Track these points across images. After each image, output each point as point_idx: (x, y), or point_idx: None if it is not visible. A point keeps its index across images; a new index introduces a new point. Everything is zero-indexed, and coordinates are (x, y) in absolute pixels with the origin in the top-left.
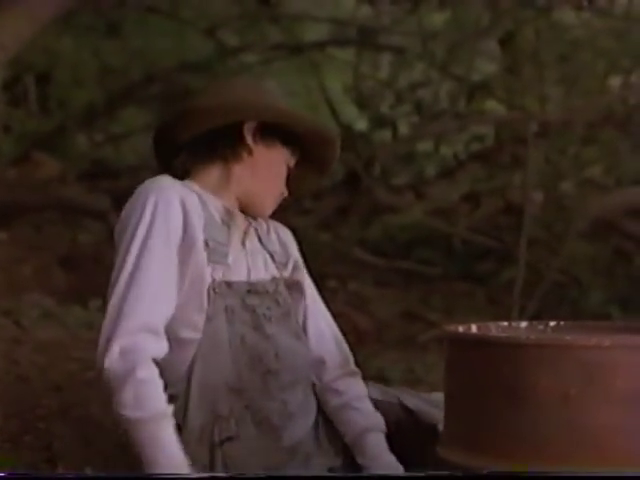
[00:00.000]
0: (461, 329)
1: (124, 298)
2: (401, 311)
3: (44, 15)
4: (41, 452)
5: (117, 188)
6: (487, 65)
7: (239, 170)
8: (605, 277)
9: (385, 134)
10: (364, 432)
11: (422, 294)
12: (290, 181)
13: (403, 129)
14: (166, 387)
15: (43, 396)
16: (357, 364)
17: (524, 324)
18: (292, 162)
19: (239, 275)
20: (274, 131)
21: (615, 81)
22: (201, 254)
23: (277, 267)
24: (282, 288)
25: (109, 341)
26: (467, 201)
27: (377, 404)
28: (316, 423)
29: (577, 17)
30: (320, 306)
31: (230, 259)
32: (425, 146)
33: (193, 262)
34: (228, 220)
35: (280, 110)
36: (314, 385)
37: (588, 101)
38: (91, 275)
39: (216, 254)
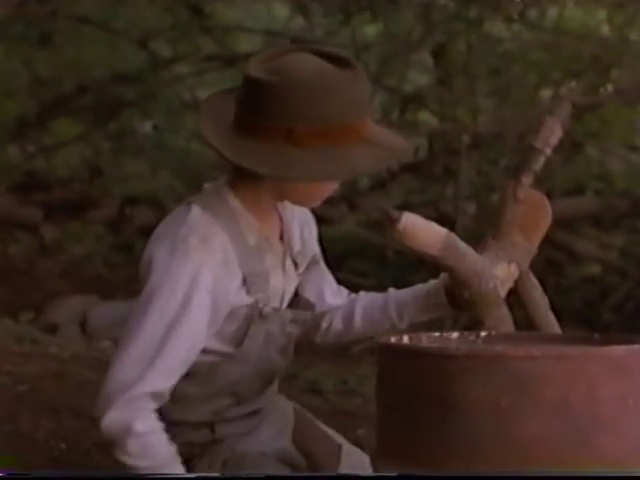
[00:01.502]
0: (392, 340)
1: (144, 361)
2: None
3: None
4: None
5: (49, 200)
6: (420, 77)
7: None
8: None
9: None
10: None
11: None
12: None
13: None
14: None
15: None
16: (290, 376)
17: (455, 335)
18: None
19: (276, 298)
20: None
21: (546, 93)
22: (237, 296)
23: (298, 274)
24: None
25: (111, 399)
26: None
27: None
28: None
29: (508, 30)
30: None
31: (270, 284)
32: None
33: (226, 309)
34: (266, 246)
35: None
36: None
37: (519, 113)
38: (22, 288)
39: (256, 284)
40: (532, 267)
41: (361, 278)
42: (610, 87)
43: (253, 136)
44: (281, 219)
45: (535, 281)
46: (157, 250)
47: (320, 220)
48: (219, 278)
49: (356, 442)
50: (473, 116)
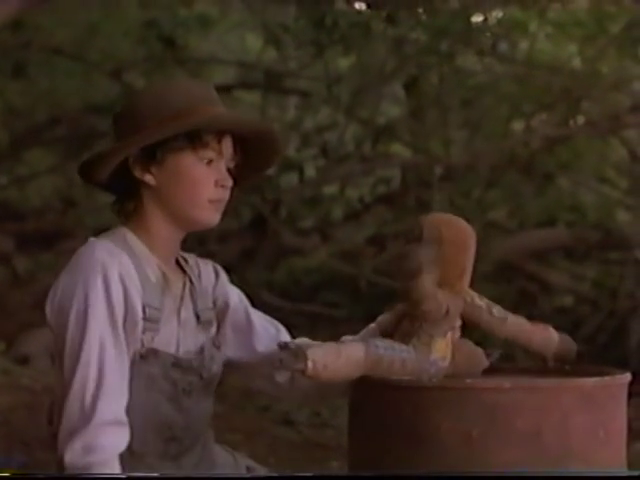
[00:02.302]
0: None
1: (88, 393)
2: None
3: None
4: None
5: (22, 230)
6: (392, 109)
7: (152, 194)
8: None
9: (292, 177)
10: None
11: (328, 336)
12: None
13: (309, 172)
14: None
15: None
16: (263, 407)
17: None
18: (231, 163)
19: (168, 345)
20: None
21: (518, 125)
22: (140, 325)
23: (204, 329)
24: (207, 354)
25: (72, 435)
26: (373, 244)
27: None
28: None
29: (480, 62)
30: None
31: (161, 325)
32: (331, 189)
33: (134, 335)
34: (163, 284)
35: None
36: None
37: (491, 145)
38: None
39: (150, 320)
40: (505, 298)
41: (333, 309)
42: (581, 119)
43: None
44: (184, 271)
45: (476, 301)
46: (61, 280)
47: (293, 251)
48: (128, 301)
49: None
50: (445, 148)
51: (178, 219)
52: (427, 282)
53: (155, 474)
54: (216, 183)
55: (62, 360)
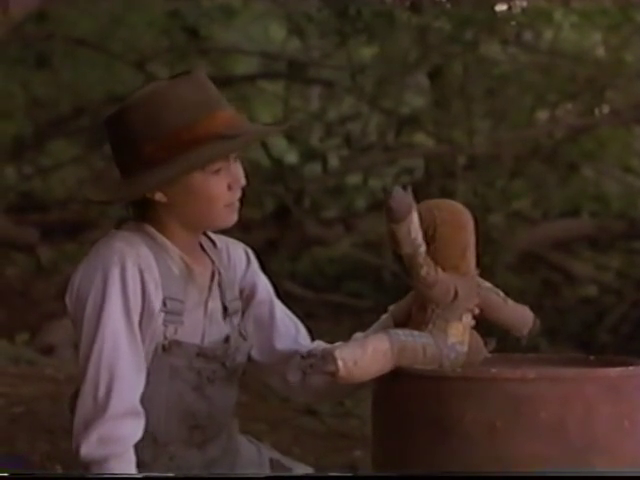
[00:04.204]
0: None
1: (102, 385)
2: (331, 344)
3: None
4: None
5: (46, 221)
6: (416, 98)
7: (165, 208)
8: (533, 309)
9: (315, 167)
10: None
11: (352, 327)
12: None
13: (333, 162)
14: None
15: None
16: (285, 398)
17: None
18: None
19: (193, 336)
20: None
21: (542, 115)
22: (159, 318)
23: (231, 319)
24: (233, 344)
25: (87, 427)
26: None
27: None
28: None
29: (504, 52)
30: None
31: (185, 317)
32: (354, 179)
33: (152, 328)
34: (186, 275)
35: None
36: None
37: (515, 135)
38: (18, 309)
39: (172, 313)
40: (528, 288)
41: (357, 299)
42: (605, 108)
43: (121, 174)
44: (212, 262)
45: (487, 285)
46: (80, 270)
47: (316, 241)
48: (147, 293)
49: (353, 464)
50: (469, 137)
51: (195, 226)
52: (416, 229)
53: (155, 474)
54: (229, 187)
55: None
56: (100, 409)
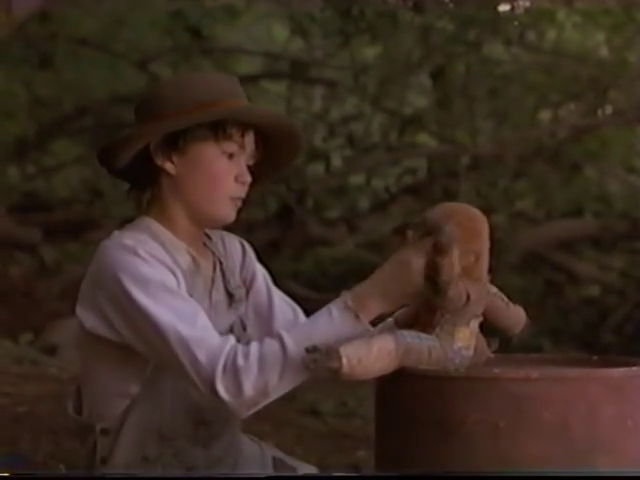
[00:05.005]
0: None
1: (192, 338)
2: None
3: None
4: None
5: (49, 221)
6: (419, 99)
7: (171, 184)
8: (536, 309)
9: (318, 167)
10: None
11: None
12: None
13: (336, 162)
14: (99, 420)
15: None
16: (288, 398)
17: None
18: (251, 161)
19: None
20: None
21: (545, 115)
22: None
23: (236, 308)
24: (236, 334)
25: (213, 371)
26: (399, 234)
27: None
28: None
29: (507, 52)
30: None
31: None
32: (357, 179)
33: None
34: (194, 268)
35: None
36: None
37: (518, 135)
38: (21, 309)
39: None
40: (531, 288)
41: None
42: (608, 108)
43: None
44: (213, 253)
45: (494, 290)
46: (92, 274)
47: (319, 241)
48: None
49: (356, 464)
50: (472, 137)
51: (196, 213)
52: (457, 261)
53: (155, 474)
54: (236, 179)
55: (138, 340)
56: (201, 347)
